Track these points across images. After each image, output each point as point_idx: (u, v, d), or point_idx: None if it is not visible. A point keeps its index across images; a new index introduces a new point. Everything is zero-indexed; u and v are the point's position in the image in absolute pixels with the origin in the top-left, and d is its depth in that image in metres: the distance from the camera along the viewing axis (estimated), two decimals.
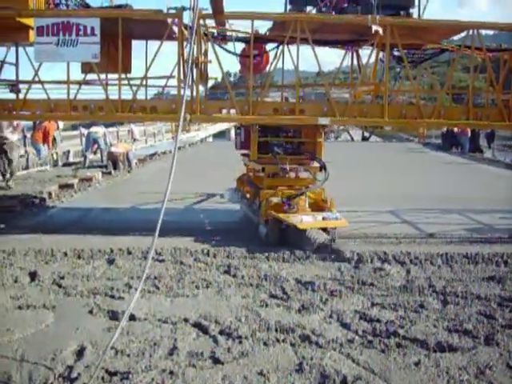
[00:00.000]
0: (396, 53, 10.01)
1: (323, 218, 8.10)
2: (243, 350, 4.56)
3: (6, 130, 13.44)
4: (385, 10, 8.90)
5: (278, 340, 4.76)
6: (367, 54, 10.36)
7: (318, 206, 8.69)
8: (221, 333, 4.91)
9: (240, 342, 4.71)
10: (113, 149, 18.29)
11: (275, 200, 8.33)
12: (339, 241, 8.06)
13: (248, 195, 9.77)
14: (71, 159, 21.42)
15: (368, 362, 4.39)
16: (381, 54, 9.37)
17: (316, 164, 8.93)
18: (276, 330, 4.96)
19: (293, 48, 8.87)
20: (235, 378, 4.11)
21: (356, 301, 5.81)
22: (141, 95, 9.10)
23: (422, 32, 9.23)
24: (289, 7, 9.48)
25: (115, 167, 17.29)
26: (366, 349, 4.65)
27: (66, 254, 7.41)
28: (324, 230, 8.07)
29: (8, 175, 13.57)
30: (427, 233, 8.95)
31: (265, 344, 4.69)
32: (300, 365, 4.31)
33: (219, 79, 11.90)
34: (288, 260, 7.29)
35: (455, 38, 10.54)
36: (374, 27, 8.22)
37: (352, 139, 44.11)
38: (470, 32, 8.70)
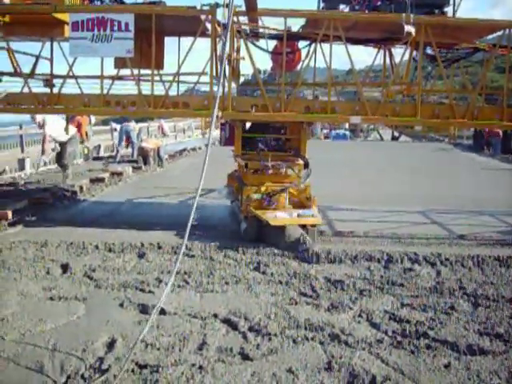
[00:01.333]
0: (429, 52, 9.90)
1: (298, 215, 8.09)
2: (272, 347, 4.57)
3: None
4: (419, 8, 8.80)
5: (307, 338, 4.77)
6: (399, 52, 10.30)
7: (300, 204, 8.64)
8: (250, 329, 4.94)
9: (269, 339, 4.72)
10: (143, 144, 18.45)
11: (255, 196, 8.37)
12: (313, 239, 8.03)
13: (234, 191, 9.82)
14: (102, 153, 21.67)
15: (397, 363, 4.37)
16: (413, 53, 9.28)
17: (300, 161, 8.91)
18: (305, 328, 4.97)
19: (324, 46, 8.85)
20: (264, 375, 4.12)
21: (385, 301, 5.78)
22: (172, 91, 9.17)
23: (456, 31, 9.11)
24: (322, 5, 9.45)
25: (145, 162, 17.43)
26: (395, 349, 4.64)
27: (97, 247, 7.50)
28: (303, 227, 8.05)
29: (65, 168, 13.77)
30: (458, 234, 8.82)
31: (294, 342, 4.70)
32: (329, 363, 4.32)
33: (249, 76, 11.89)
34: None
35: (489, 37, 10.37)
36: (406, 28, 8.14)
37: (382, 139, 43.76)
38: (506, 31, 8.55)
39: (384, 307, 5.59)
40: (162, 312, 5.14)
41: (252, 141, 9.05)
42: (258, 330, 4.92)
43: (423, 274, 6.72)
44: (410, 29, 8.09)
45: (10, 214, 9.21)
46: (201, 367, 4.19)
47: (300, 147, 9.06)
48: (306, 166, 8.83)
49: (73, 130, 14.10)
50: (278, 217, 7.97)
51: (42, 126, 13.45)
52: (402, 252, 7.40)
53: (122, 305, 5.52)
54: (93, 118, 20.15)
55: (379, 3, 9.24)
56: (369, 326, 5.12)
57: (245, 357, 4.41)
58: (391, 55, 10.60)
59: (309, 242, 7.60)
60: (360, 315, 5.36)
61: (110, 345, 4.60)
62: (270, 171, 8.69)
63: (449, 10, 9.24)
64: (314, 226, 8.15)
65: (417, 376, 4.17)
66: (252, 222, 8.13)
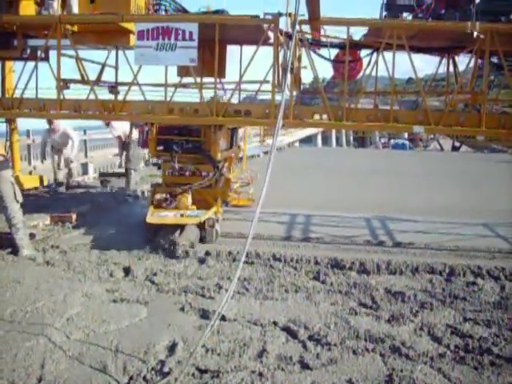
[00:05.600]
0: (495, 60, 9.67)
1: (181, 215, 8.28)
2: (332, 357, 4.55)
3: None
4: (484, 15, 8.61)
5: (367, 349, 4.72)
6: (461, 61, 10.12)
7: (207, 204, 8.88)
8: (310, 338, 4.93)
9: (329, 349, 4.70)
10: None
11: (158, 196, 8.66)
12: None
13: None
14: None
15: (460, 379, 4.28)
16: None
17: (209, 163, 9.06)
18: (365, 339, 4.92)
19: (385, 54, 8.75)
20: None
21: (447, 314, 5.65)
22: (233, 99, 9.27)
23: None
24: (384, 13, 9.36)
25: None
26: (458, 364, 4.54)
27: (157, 253, 7.63)
28: (203, 227, 8.30)
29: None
30: None
31: (354, 353, 4.66)
32: (390, 376, 4.26)
33: (306, 85, 11.89)
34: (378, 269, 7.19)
35: None
36: (476, 32, 7.97)
37: (441, 149, 42.98)
38: None
39: (446, 321, 5.47)
40: (223, 318, 5.17)
41: (170, 142, 9.18)
42: (318, 339, 4.90)
43: (487, 289, 6.53)
44: (478, 32, 7.90)
45: (74, 216, 9.50)
46: (261, 374, 4.21)
47: (211, 149, 9.11)
48: (215, 167, 9.02)
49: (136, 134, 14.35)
50: (161, 216, 8.24)
51: (107, 123, 13.81)
52: (464, 265, 7.21)
53: (182, 309, 5.60)
54: None
55: (443, 11, 9.08)
56: (430, 340, 5.02)
57: (304, 366, 4.40)
58: (455, 64, 10.41)
59: (176, 240, 7.75)
60: (421, 328, 5.26)
61: (171, 348, 4.68)
62: (176, 173, 9.04)
63: None
64: (212, 226, 8.36)
65: None
66: None
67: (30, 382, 4.07)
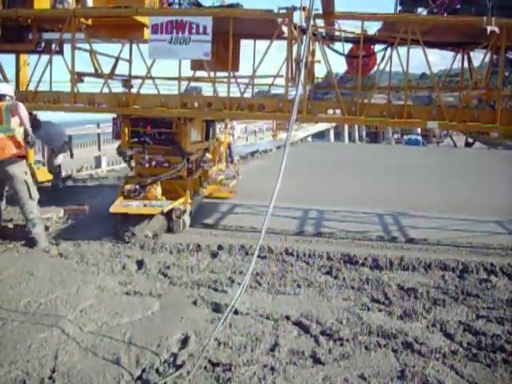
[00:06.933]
0: (510, 56, 9.59)
1: (144, 205, 8.32)
2: (344, 352, 4.54)
3: None
4: (500, 10, 8.54)
5: (379, 345, 4.71)
6: (476, 56, 10.05)
7: (177, 195, 8.88)
8: (322, 333, 4.92)
9: (341, 344, 4.70)
10: None
11: (127, 187, 8.68)
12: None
13: None
14: None
15: (473, 376, 4.26)
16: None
17: (178, 154, 9.07)
18: (378, 335, 4.91)
19: (399, 49, 8.70)
20: (336, 380, 4.11)
21: (460, 311, 5.63)
22: (246, 93, 9.27)
23: None
24: (399, 8, 9.30)
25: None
26: (470, 362, 4.51)
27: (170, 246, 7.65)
28: (170, 218, 8.48)
29: None
30: None
31: (366, 348, 4.65)
32: (402, 372, 4.26)
33: (320, 79, 11.86)
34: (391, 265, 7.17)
35: None
36: (490, 28, 7.90)
37: (455, 145, 42.73)
38: None
39: (459, 318, 5.44)
40: (235, 312, 5.16)
41: (142, 134, 9.18)
42: (330, 334, 4.90)
43: (500, 286, 6.48)
44: (493, 28, 7.83)
45: (87, 209, 9.54)
46: (273, 368, 4.22)
47: (181, 141, 9.15)
48: (183, 158, 9.03)
49: None
50: (125, 206, 8.30)
51: None
52: (477, 262, 7.18)
53: (195, 303, 5.61)
54: None
55: (459, 6, 9.02)
56: (443, 337, 5.00)
57: (316, 360, 4.40)
58: (470, 59, 10.34)
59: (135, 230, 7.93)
60: (434, 325, 5.24)
61: (184, 341, 4.70)
62: (147, 164, 9.07)
63: None
64: (178, 217, 8.50)
65: None
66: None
67: (44, 372, 4.10)
